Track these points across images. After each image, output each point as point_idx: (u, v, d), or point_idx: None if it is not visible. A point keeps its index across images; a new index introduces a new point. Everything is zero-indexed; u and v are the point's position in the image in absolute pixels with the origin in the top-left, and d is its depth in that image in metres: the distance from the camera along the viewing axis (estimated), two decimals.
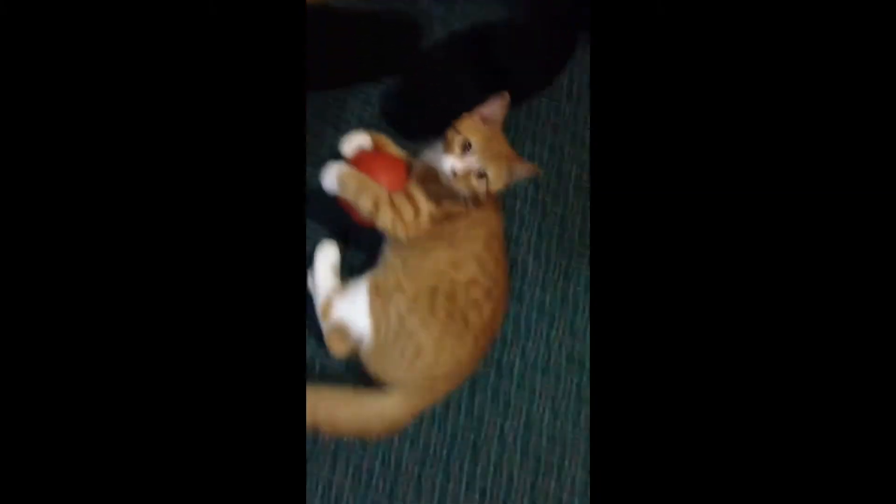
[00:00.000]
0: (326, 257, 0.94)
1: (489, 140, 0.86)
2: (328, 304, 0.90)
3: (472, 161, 0.85)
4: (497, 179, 0.87)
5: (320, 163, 0.94)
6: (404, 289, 0.86)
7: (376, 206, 0.88)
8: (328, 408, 0.86)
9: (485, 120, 0.88)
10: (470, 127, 0.87)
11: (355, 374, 0.95)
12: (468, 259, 0.88)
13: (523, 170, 0.87)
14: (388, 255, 0.91)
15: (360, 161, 0.94)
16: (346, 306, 0.88)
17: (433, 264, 0.87)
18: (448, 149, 0.86)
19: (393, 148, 1.02)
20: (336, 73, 1.14)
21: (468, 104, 1.04)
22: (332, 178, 0.89)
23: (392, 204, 0.89)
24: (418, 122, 1.12)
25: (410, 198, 0.90)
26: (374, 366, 0.88)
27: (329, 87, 1.16)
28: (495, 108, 0.87)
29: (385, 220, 0.88)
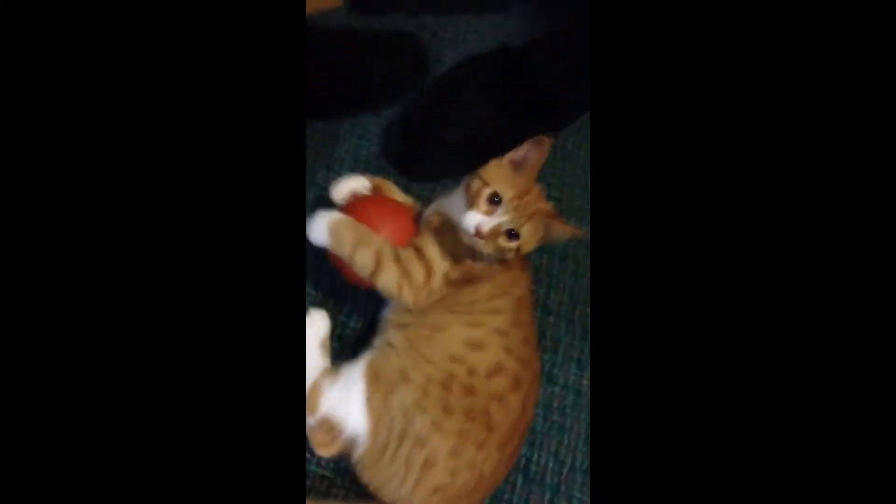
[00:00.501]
0: (315, 331, 0.75)
1: (523, 193, 0.68)
2: (316, 392, 0.69)
3: (501, 218, 0.67)
4: (531, 240, 0.69)
5: (306, 209, 0.76)
6: (410, 378, 0.66)
7: (378, 263, 0.70)
8: None
9: (516, 167, 0.70)
10: (498, 176, 0.69)
11: (344, 476, 0.75)
12: (491, 338, 0.69)
13: (564, 231, 0.69)
14: (390, 333, 0.72)
15: (355, 208, 0.76)
16: (337, 396, 0.68)
17: (446, 345, 0.68)
18: (472, 202, 0.69)
19: (397, 193, 0.84)
20: (328, 101, 0.96)
21: (491, 142, 0.87)
22: (321, 228, 0.71)
23: (398, 261, 0.71)
24: (427, 162, 0.94)
25: (421, 254, 0.72)
26: (369, 477, 0.68)
27: (319, 118, 0.98)
28: (531, 153, 0.69)
29: (389, 282, 0.70)
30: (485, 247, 0.68)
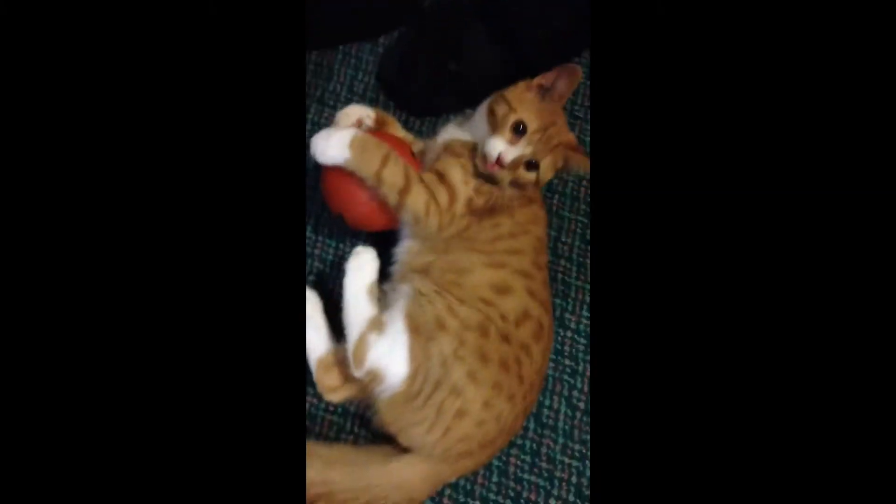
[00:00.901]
0: (362, 275, 0.66)
1: (549, 124, 0.64)
2: (363, 346, 0.63)
3: (524, 149, 0.64)
4: (549, 172, 0.66)
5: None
6: (447, 326, 0.62)
7: (408, 181, 0.64)
8: (324, 473, 0.63)
9: (544, 94, 0.66)
10: (525, 102, 0.65)
11: (353, 421, 0.72)
12: (515, 281, 0.65)
13: (584, 164, 0.65)
14: (415, 281, 0.66)
15: None
16: (384, 349, 0.63)
17: (475, 289, 0.64)
18: (495, 128, 0.64)
19: (399, 130, 0.78)
20: (320, 30, 0.88)
21: (493, 73, 0.81)
22: (341, 143, 0.64)
23: (423, 182, 0.66)
24: (426, 95, 0.87)
25: (443, 178, 0.67)
26: (392, 418, 0.64)
27: (311, 49, 0.90)
28: (561, 81, 0.65)
29: (418, 202, 0.65)
30: (502, 175, 0.64)
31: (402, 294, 0.66)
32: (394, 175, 0.64)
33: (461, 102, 0.88)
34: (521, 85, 0.66)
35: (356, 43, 0.91)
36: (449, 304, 0.63)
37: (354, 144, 0.64)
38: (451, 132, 0.72)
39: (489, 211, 0.67)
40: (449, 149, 0.69)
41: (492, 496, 0.71)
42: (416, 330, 0.62)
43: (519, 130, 0.64)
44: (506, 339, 0.62)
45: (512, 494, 0.72)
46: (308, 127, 0.86)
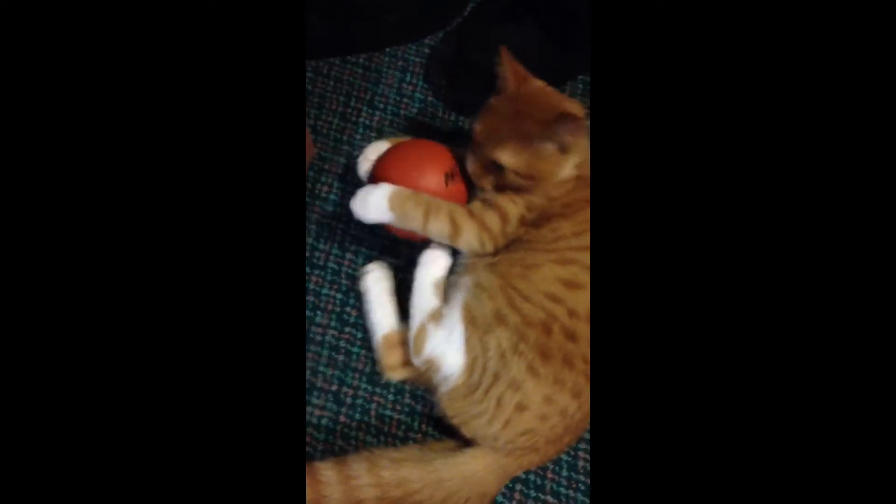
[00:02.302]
0: (430, 270, 0.70)
1: (491, 124, 0.69)
2: (423, 336, 0.67)
3: (475, 155, 0.70)
4: (517, 160, 0.67)
5: (352, 145, 0.70)
6: (507, 320, 0.63)
7: (454, 225, 0.67)
8: (397, 472, 0.63)
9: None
10: (482, 115, 0.70)
11: (420, 420, 0.73)
12: (587, 277, 0.64)
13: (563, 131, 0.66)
14: (479, 273, 0.68)
15: (390, 161, 0.71)
16: (440, 339, 0.66)
17: (543, 284, 0.64)
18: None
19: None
20: (366, 34, 0.89)
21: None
22: (380, 204, 0.67)
23: (473, 216, 0.67)
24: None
25: (489, 203, 0.68)
26: (455, 410, 0.66)
27: (359, 52, 0.91)
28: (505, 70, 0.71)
29: (471, 239, 0.67)
30: (484, 184, 0.69)
31: (463, 286, 0.67)
32: (439, 225, 0.66)
33: None
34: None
35: (403, 45, 0.92)
36: (510, 299, 0.63)
37: (394, 205, 0.66)
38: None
39: (546, 218, 0.67)
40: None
41: (562, 490, 0.72)
42: (473, 322, 0.64)
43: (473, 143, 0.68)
44: (571, 336, 0.62)
45: (582, 488, 0.72)
46: (360, 131, 0.87)
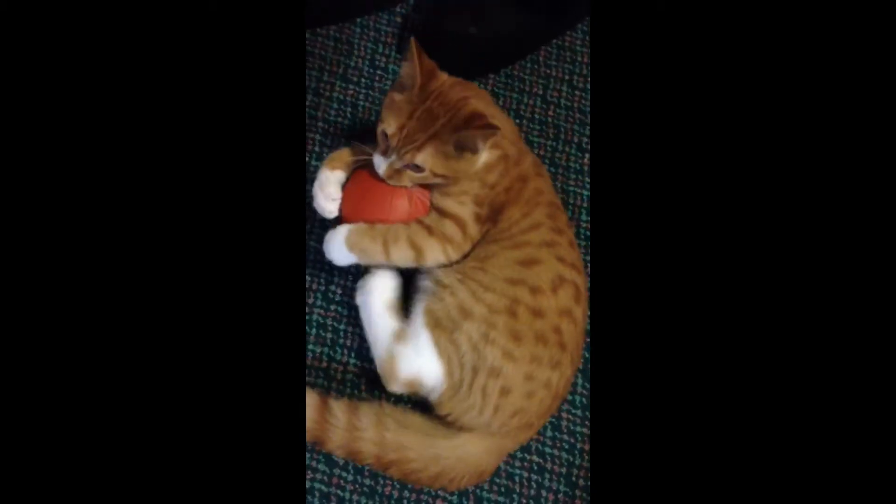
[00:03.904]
0: (379, 293, 0.70)
1: (404, 123, 0.65)
2: (392, 360, 0.67)
3: (391, 157, 0.67)
4: (441, 164, 0.66)
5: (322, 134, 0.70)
6: (472, 313, 0.64)
7: (416, 248, 0.68)
8: (399, 436, 0.66)
9: (402, 90, 0.67)
10: (390, 107, 0.67)
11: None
12: (541, 253, 0.67)
13: (478, 136, 0.65)
14: (438, 274, 0.69)
15: (354, 199, 0.71)
16: (410, 354, 0.66)
17: (500, 270, 0.66)
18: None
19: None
20: (335, 2, 0.88)
21: (517, 37, 0.80)
22: (341, 250, 0.68)
23: (432, 233, 0.68)
24: (451, 63, 0.86)
25: (443, 212, 0.69)
26: (448, 410, 0.68)
27: (328, 23, 0.90)
28: (404, 69, 0.67)
29: (435, 256, 0.68)
30: (404, 183, 0.67)
31: (424, 290, 0.69)
32: (401, 253, 0.67)
33: (483, 69, 0.88)
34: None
35: (374, 14, 0.90)
36: (473, 291, 0.64)
37: (352, 245, 0.67)
38: None
39: (498, 210, 0.68)
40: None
41: (547, 450, 0.75)
42: (438, 324, 0.65)
43: (385, 139, 0.65)
44: (538, 313, 0.64)
45: (566, 447, 0.75)
46: (334, 107, 0.86)
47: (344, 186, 0.72)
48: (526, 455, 0.74)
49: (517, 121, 0.88)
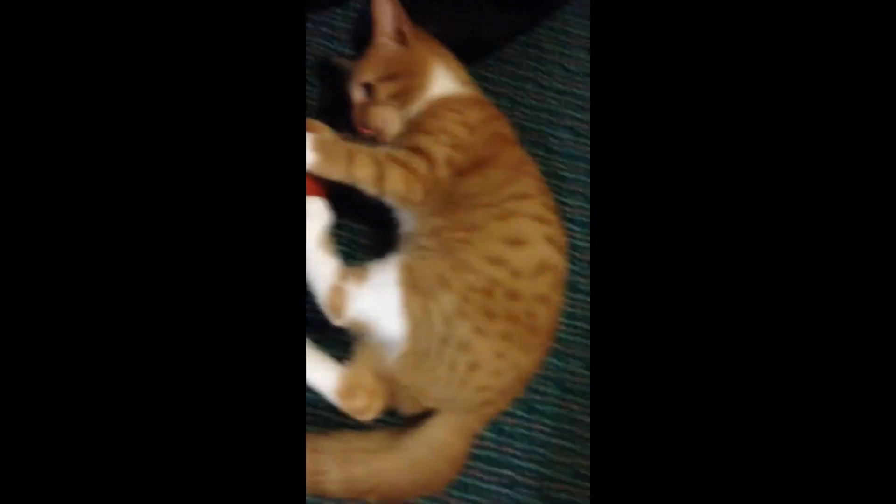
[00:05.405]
0: (314, 222, 0.65)
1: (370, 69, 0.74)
2: (339, 295, 0.62)
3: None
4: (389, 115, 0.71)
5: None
6: (450, 284, 0.61)
7: (379, 169, 0.64)
8: (369, 464, 0.63)
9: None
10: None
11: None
12: (532, 230, 0.64)
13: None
14: (421, 239, 0.66)
15: None
16: (368, 299, 0.62)
17: (485, 246, 0.63)
18: None
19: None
20: None
21: (479, 34, 0.76)
22: (308, 152, 0.63)
23: (397, 161, 0.65)
24: None
25: (416, 149, 0.66)
26: (410, 380, 0.64)
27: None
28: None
29: (397, 185, 0.64)
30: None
31: (404, 245, 0.66)
32: (364, 170, 0.64)
33: None
34: None
35: (328, 9, 0.85)
36: (454, 264, 0.62)
37: (320, 149, 0.63)
38: None
39: (476, 165, 0.67)
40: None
41: (521, 431, 0.72)
42: (413, 285, 0.61)
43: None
44: (513, 296, 0.62)
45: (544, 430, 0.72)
46: None
47: None
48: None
49: (511, 109, 0.85)
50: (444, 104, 0.70)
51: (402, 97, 0.70)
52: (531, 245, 0.63)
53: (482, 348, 0.61)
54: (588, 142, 0.85)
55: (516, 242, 0.63)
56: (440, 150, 0.66)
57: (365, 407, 0.65)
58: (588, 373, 0.75)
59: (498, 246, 0.63)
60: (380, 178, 0.64)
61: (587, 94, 0.87)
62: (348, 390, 0.64)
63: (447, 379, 0.62)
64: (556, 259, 0.65)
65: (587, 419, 0.73)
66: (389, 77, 0.70)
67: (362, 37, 0.83)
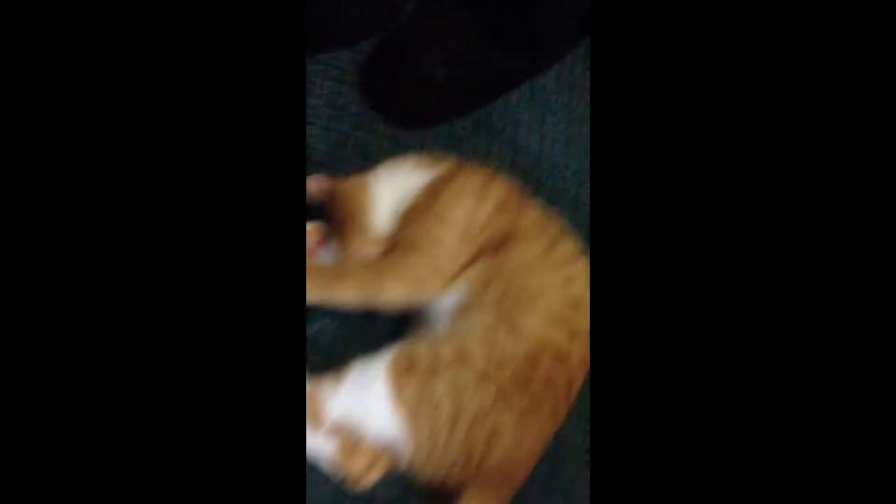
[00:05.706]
0: None
1: None
2: (312, 397, 0.59)
3: None
4: None
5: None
6: (472, 357, 0.58)
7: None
8: None
9: None
10: None
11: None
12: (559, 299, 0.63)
13: None
14: (435, 324, 0.64)
15: None
16: (349, 398, 0.59)
17: (547, 305, 0.62)
18: None
19: None
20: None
21: (484, 76, 0.74)
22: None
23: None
24: (415, 104, 0.81)
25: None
26: (430, 475, 0.59)
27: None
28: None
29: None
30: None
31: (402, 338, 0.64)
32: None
33: (453, 112, 0.82)
34: None
35: (334, 50, 0.83)
36: (481, 338, 0.60)
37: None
38: None
39: (504, 240, 0.66)
40: None
41: None
42: (409, 369, 0.58)
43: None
44: (562, 358, 0.60)
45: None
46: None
47: None
48: None
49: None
50: None
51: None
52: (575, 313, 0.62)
53: (502, 414, 0.57)
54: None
55: (577, 306, 0.62)
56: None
57: (364, 469, 0.61)
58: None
59: (561, 306, 0.62)
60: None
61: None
62: (347, 452, 0.61)
63: (469, 454, 0.57)
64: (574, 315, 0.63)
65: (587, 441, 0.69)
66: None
67: (370, 81, 0.82)
